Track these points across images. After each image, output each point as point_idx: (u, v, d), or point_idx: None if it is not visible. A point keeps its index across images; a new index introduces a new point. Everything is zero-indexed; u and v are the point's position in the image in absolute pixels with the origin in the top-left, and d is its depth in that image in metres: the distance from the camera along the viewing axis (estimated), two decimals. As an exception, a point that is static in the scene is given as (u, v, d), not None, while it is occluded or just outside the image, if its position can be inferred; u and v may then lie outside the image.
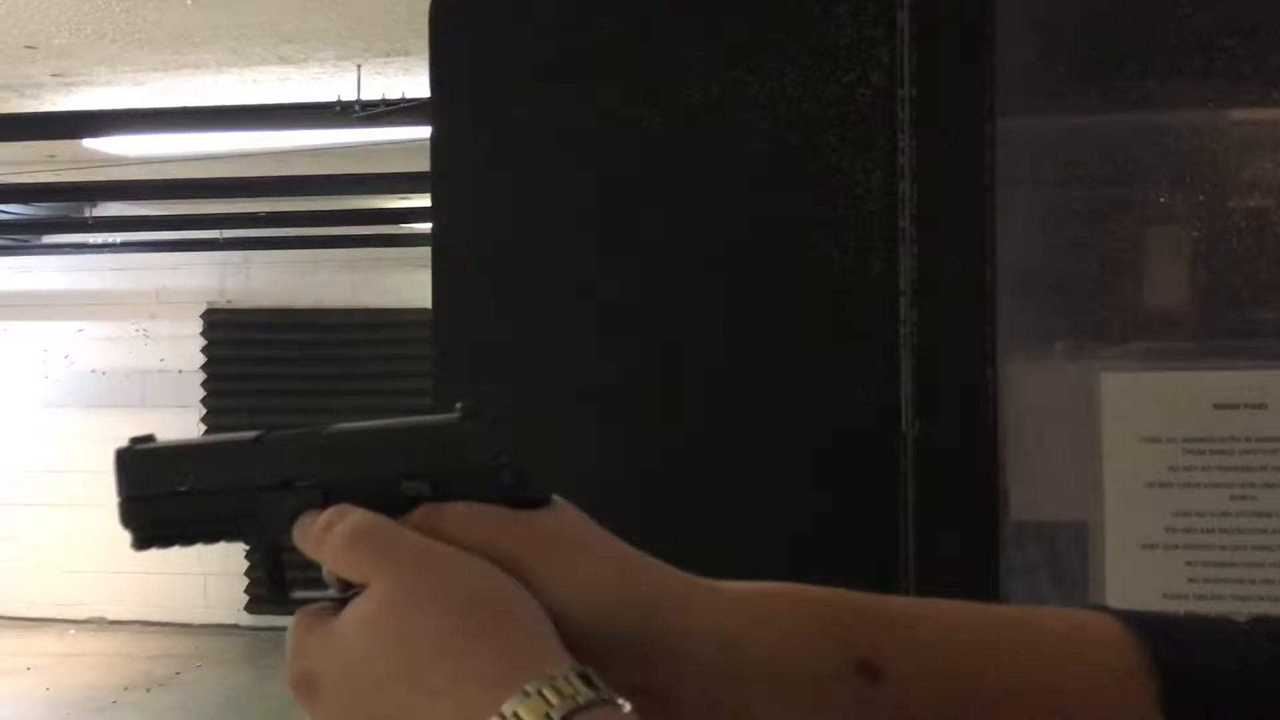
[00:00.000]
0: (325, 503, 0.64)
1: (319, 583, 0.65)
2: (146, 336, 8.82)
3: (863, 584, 1.10)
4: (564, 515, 0.65)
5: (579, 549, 0.64)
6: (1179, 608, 1.07)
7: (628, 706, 0.55)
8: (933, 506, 1.08)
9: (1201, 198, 1.14)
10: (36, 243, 8.30)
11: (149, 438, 0.69)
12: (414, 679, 0.56)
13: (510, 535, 0.62)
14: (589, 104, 1.17)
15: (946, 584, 1.08)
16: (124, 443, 0.69)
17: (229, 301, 8.74)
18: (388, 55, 4.18)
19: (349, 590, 0.61)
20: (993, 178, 1.08)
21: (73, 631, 8.49)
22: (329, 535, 0.62)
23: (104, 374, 8.85)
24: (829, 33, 1.12)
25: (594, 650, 0.60)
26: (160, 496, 0.67)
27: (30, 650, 8.08)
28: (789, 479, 1.13)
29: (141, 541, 0.69)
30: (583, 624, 0.61)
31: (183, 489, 0.67)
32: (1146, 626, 0.66)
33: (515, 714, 0.52)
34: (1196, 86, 1.13)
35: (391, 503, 0.63)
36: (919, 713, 0.64)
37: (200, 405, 8.54)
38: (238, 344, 8.54)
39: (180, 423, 8.56)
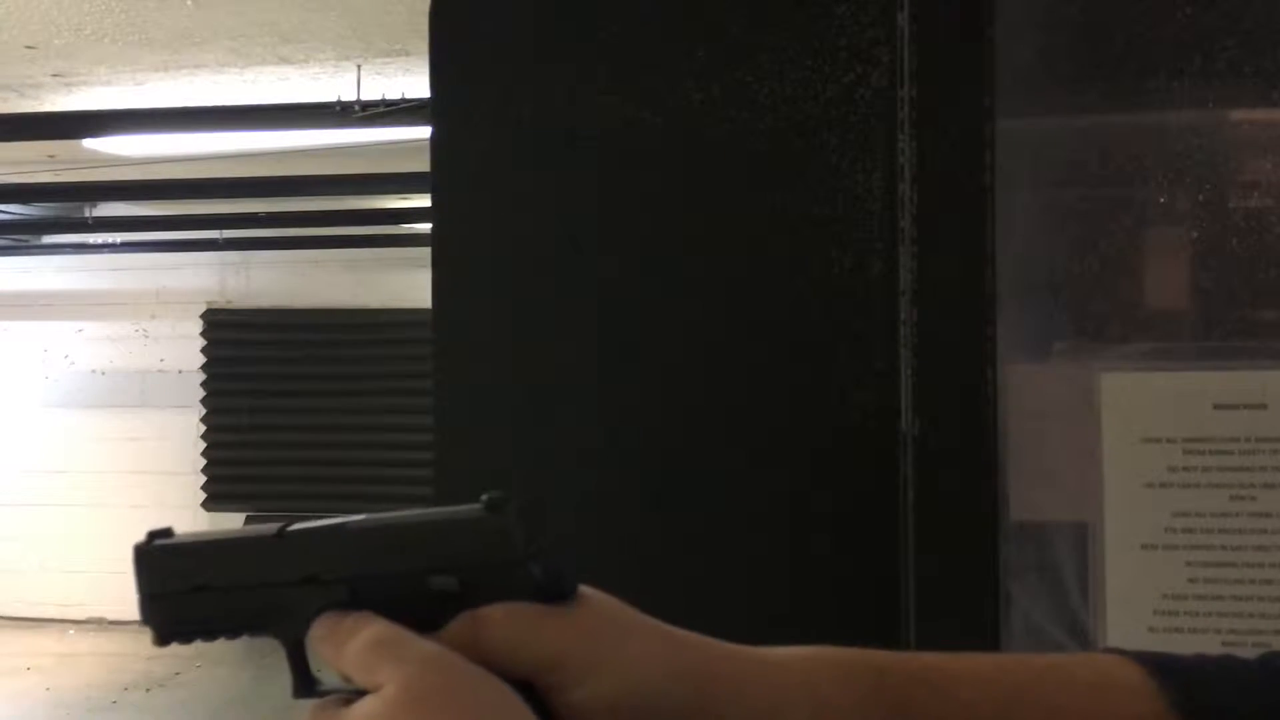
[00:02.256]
0: (351, 598, 0.64)
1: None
2: (146, 336, 8.82)
3: (862, 584, 1.10)
4: (598, 603, 0.65)
5: (622, 634, 0.64)
6: (1179, 608, 1.07)
7: None
8: (933, 506, 1.08)
9: (1201, 198, 1.14)
10: (36, 243, 8.30)
11: (167, 531, 0.68)
12: None
13: (552, 633, 0.62)
14: (589, 104, 1.17)
15: (946, 584, 1.08)
16: (142, 538, 0.68)
17: (229, 301, 8.74)
18: (388, 55, 4.18)
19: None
20: (993, 178, 1.08)
21: (73, 631, 8.49)
22: (349, 646, 0.62)
23: (104, 374, 8.85)
24: (829, 33, 1.12)
25: None
26: (182, 593, 0.67)
27: (30, 650, 8.08)
28: (789, 479, 1.13)
29: (163, 638, 0.68)
30: (635, 707, 0.62)
31: (205, 585, 0.66)
32: (1166, 670, 0.67)
33: None
34: (1196, 86, 1.13)
35: (418, 597, 0.63)
36: None
37: (200, 405, 8.54)
38: (238, 344, 8.54)
39: (180, 423, 8.57)
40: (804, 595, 1.12)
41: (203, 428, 8.56)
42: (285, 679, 0.65)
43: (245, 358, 8.52)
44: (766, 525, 1.13)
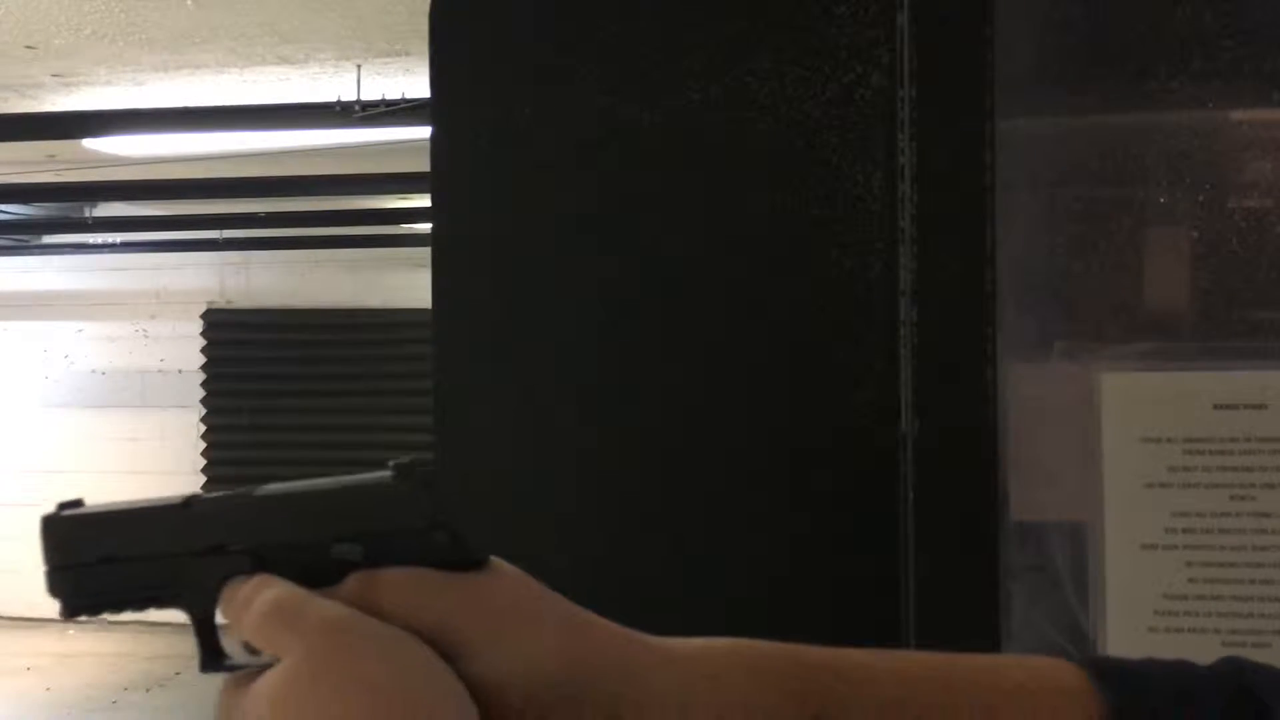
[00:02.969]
0: (256, 568, 0.63)
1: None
2: (146, 336, 8.82)
3: (862, 584, 1.10)
4: (504, 578, 0.62)
5: (521, 613, 0.61)
6: (1179, 608, 1.07)
7: None
8: (933, 506, 1.08)
9: (1201, 198, 1.14)
10: (36, 243, 8.31)
11: (77, 502, 0.67)
12: None
13: (449, 601, 0.60)
14: (589, 104, 1.17)
15: (946, 584, 1.08)
16: (52, 508, 0.67)
17: (229, 301, 8.74)
18: (388, 55, 4.18)
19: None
20: (993, 178, 1.08)
21: (73, 631, 8.48)
22: (249, 609, 0.60)
23: (104, 374, 8.85)
24: (829, 33, 1.12)
25: (539, 717, 0.58)
26: (88, 564, 0.65)
27: (30, 650, 8.08)
28: (789, 479, 1.13)
29: (70, 610, 0.67)
30: (526, 690, 0.59)
31: (111, 556, 0.65)
32: (1108, 676, 0.65)
33: None
34: (1196, 86, 1.13)
35: (322, 567, 0.61)
36: None
37: (200, 405, 8.54)
38: (238, 344, 8.55)
39: (180, 423, 8.57)
40: (804, 595, 1.12)
41: (203, 428, 8.56)
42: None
43: (245, 358, 8.52)
44: (766, 525, 1.13)
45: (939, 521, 1.08)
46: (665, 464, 1.16)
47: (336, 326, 8.40)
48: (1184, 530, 1.07)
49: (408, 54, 4.12)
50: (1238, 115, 1.18)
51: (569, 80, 1.18)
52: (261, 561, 0.63)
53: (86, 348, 8.88)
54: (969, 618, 1.07)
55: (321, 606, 0.59)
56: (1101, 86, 1.17)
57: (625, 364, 1.17)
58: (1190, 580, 1.07)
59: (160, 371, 8.78)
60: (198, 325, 8.62)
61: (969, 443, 1.08)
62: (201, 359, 8.58)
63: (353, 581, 0.60)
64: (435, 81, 1.21)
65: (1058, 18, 1.17)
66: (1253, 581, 1.06)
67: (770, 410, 1.13)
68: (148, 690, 7.36)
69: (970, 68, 1.09)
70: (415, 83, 4.22)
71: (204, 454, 8.51)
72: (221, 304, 8.73)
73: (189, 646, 0.67)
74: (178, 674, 7.55)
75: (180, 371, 8.67)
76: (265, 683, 0.57)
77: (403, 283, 7.90)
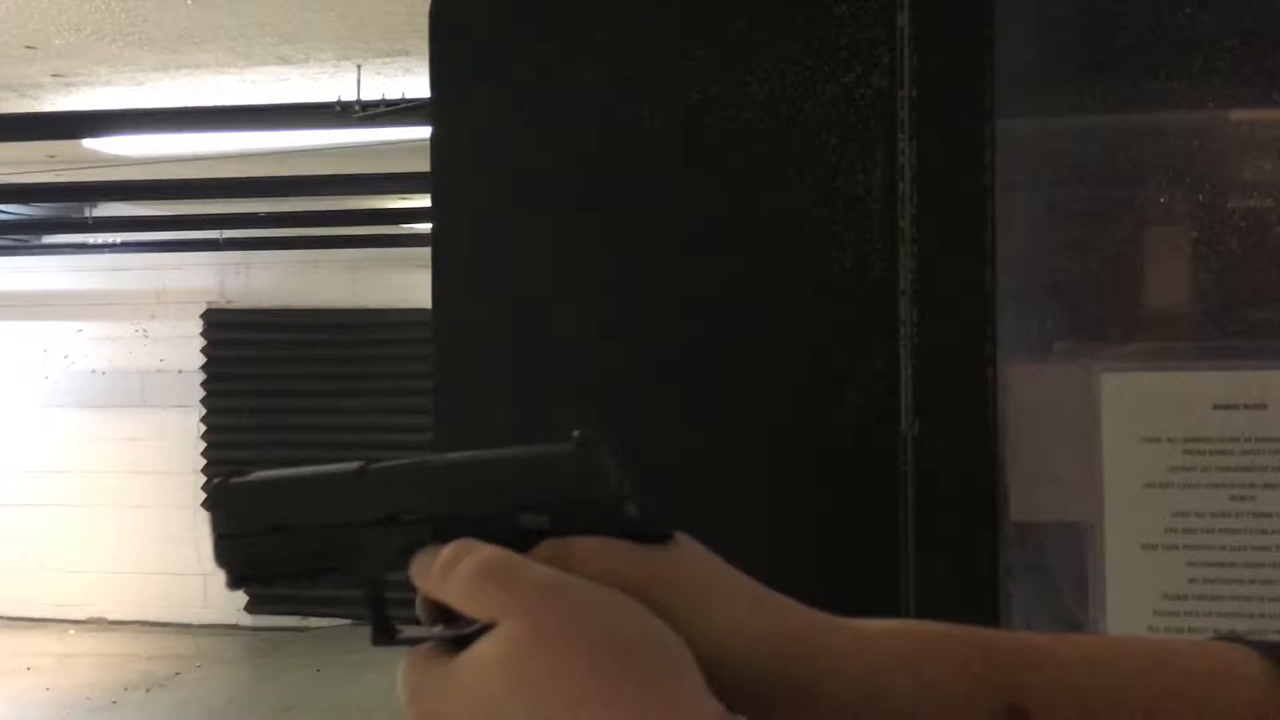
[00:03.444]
0: (435, 538, 0.60)
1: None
2: (146, 336, 8.82)
3: (862, 584, 1.10)
4: (693, 551, 0.62)
5: (713, 586, 0.60)
6: (1179, 608, 1.07)
7: None
8: (933, 506, 1.08)
9: (1201, 198, 1.15)
10: (36, 243, 8.31)
11: (245, 471, 0.65)
12: None
13: (643, 572, 0.59)
14: (588, 104, 1.17)
15: (946, 584, 1.08)
16: (218, 478, 0.65)
17: (229, 301, 8.74)
18: (388, 55, 4.18)
19: (467, 628, 0.57)
20: (993, 178, 1.08)
21: (73, 631, 8.49)
22: (454, 571, 0.58)
23: (104, 374, 8.85)
24: (829, 33, 1.12)
25: (728, 692, 0.57)
26: (258, 533, 0.63)
27: (30, 650, 8.08)
28: (789, 479, 1.13)
29: (237, 580, 0.65)
30: (717, 665, 0.58)
31: (282, 525, 0.63)
32: None
33: None
34: (1196, 86, 1.13)
35: (507, 536, 0.59)
36: None
37: (200, 405, 8.54)
38: (237, 344, 8.55)
39: (180, 423, 8.58)
40: (803, 596, 1.12)
41: (203, 428, 8.56)
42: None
43: (245, 358, 8.52)
44: (766, 526, 1.13)
45: (939, 521, 1.08)
46: (665, 464, 1.15)
47: (336, 326, 8.40)
48: (1184, 530, 1.07)
49: (408, 54, 4.13)
50: (1238, 115, 1.18)
51: (569, 80, 1.18)
52: (440, 531, 0.61)
53: (86, 348, 8.88)
54: (969, 618, 1.07)
55: (534, 567, 0.57)
56: (1101, 86, 1.17)
57: (625, 364, 1.17)
58: (1190, 580, 1.07)
59: (160, 371, 8.78)
60: (198, 325, 8.62)
61: (969, 443, 1.08)
62: (201, 359, 8.58)
63: (546, 549, 0.59)
64: (435, 81, 1.21)
65: (1058, 18, 1.17)
66: (1253, 581, 1.06)
67: (770, 410, 1.13)
68: (148, 690, 7.36)
69: (970, 68, 1.09)
70: (415, 83, 4.22)
71: (204, 454, 8.51)
72: (221, 304, 8.73)
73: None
74: (177, 674, 7.55)
75: (180, 371, 8.67)
76: (487, 649, 0.55)
77: (403, 283, 7.90)
